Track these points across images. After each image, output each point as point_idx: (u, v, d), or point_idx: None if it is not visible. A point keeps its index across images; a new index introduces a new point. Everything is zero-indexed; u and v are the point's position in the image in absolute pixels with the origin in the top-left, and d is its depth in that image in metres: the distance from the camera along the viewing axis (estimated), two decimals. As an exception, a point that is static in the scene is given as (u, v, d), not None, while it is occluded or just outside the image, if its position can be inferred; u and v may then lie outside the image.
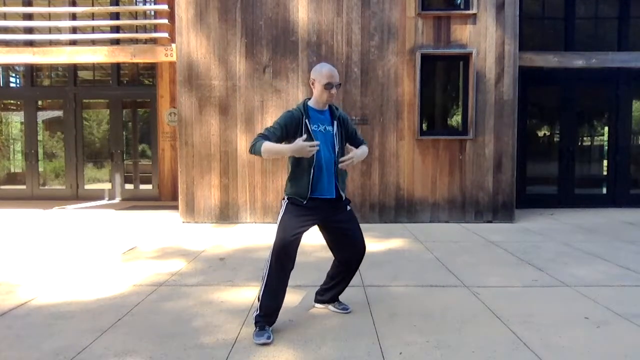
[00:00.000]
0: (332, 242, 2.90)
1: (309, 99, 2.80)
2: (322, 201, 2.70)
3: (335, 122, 2.78)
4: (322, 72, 2.67)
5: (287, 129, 2.66)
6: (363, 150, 2.86)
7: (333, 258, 2.98)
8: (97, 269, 4.14)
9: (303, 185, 2.66)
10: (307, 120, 2.67)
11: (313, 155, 2.58)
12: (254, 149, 2.55)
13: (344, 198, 2.80)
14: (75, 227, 6.36)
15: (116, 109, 9.75)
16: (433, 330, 2.73)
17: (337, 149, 2.74)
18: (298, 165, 2.69)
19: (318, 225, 2.81)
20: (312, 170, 2.64)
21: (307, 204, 2.67)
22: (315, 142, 2.50)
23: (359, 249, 2.87)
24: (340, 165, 2.67)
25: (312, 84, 2.73)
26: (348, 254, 2.88)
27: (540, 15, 8.33)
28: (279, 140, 2.63)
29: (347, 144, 2.94)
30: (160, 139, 9.36)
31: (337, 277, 2.97)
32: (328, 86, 2.66)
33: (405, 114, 6.65)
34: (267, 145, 2.51)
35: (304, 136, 2.54)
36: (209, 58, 6.61)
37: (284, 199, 2.77)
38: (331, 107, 2.83)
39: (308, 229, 2.72)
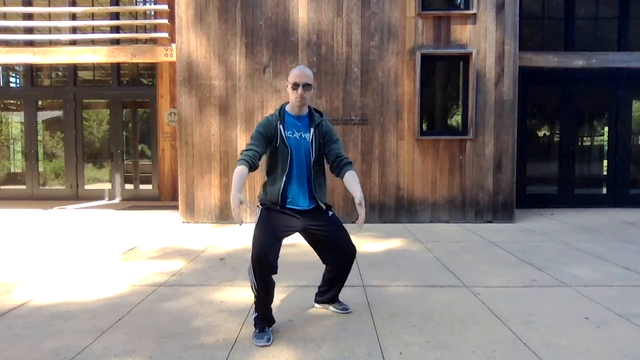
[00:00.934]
0: (317, 248, 2.84)
1: (287, 103, 2.73)
2: (297, 211, 2.64)
3: (312, 130, 2.67)
4: (292, 73, 2.64)
5: (266, 135, 2.61)
6: (356, 180, 2.64)
7: None
8: (97, 269, 4.14)
9: (274, 194, 2.62)
10: (281, 126, 2.62)
11: (286, 163, 2.59)
12: (237, 164, 2.53)
13: (324, 208, 2.71)
14: (75, 227, 6.36)
15: (116, 109, 9.75)
16: (433, 330, 2.73)
17: (312, 159, 2.64)
18: (271, 173, 2.66)
19: (300, 232, 2.74)
20: (283, 179, 2.60)
21: (283, 211, 2.62)
22: (238, 219, 2.38)
23: (347, 253, 2.77)
24: (358, 227, 2.59)
25: (287, 87, 2.67)
26: (336, 259, 2.81)
27: (540, 15, 8.33)
28: (262, 149, 2.60)
29: (326, 159, 2.75)
30: (160, 139, 9.36)
31: (332, 280, 2.94)
32: (294, 86, 2.59)
33: (405, 114, 6.66)
34: (235, 171, 2.47)
35: (247, 204, 2.46)
36: (209, 58, 6.61)
37: (258, 206, 2.70)
38: (312, 113, 2.73)
39: (288, 234, 2.66)
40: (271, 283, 2.58)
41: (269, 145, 2.63)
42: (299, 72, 2.61)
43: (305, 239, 2.83)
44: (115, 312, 3.01)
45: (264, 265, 2.48)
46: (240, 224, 2.44)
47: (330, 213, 2.77)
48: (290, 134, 2.63)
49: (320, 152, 2.71)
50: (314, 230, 2.72)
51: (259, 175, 6.63)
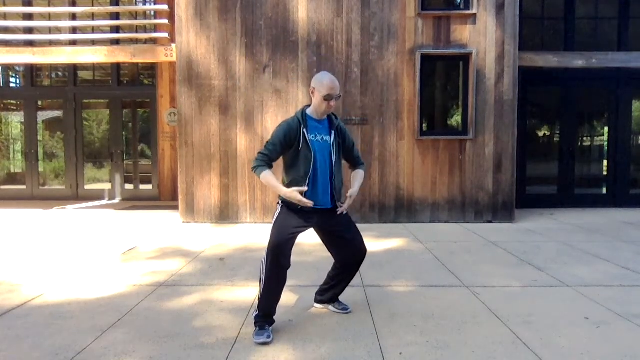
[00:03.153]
0: (330, 245, 2.89)
1: (308, 106, 2.77)
2: (316, 210, 2.69)
3: (333, 132, 2.75)
4: (324, 82, 2.63)
5: (286, 142, 2.65)
6: (360, 179, 2.86)
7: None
8: (97, 269, 4.14)
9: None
10: (304, 130, 2.66)
11: (309, 165, 2.64)
12: (255, 171, 2.64)
13: (339, 206, 2.78)
14: (76, 227, 6.36)
15: (116, 109, 9.75)
16: (433, 330, 2.73)
17: (334, 159, 2.72)
18: (292, 175, 2.68)
19: (314, 228, 2.80)
20: (307, 180, 2.63)
21: (302, 209, 2.65)
22: (309, 203, 2.54)
23: (359, 252, 2.86)
24: (339, 212, 2.72)
25: (312, 92, 2.70)
26: (346, 257, 2.87)
27: (540, 15, 8.33)
28: (279, 154, 2.68)
29: (347, 159, 2.93)
30: (160, 139, 9.36)
31: (337, 278, 2.97)
32: (328, 97, 2.63)
33: (405, 114, 6.66)
34: (266, 176, 2.60)
35: (303, 188, 2.57)
36: (209, 58, 6.61)
37: (278, 202, 2.74)
38: (330, 116, 2.80)
39: (304, 231, 2.71)
40: (282, 279, 2.66)
41: (286, 150, 2.68)
42: (332, 84, 2.63)
43: (319, 236, 2.89)
44: (115, 312, 3.02)
45: (281, 254, 2.58)
46: (311, 205, 2.58)
47: (345, 212, 2.83)
48: (313, 137, 2.69)
49: (341, 152, 2.81)
50: (329, 229, 2.80)
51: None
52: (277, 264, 2.59)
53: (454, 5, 7.11)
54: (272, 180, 2.60)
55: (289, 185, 2.69)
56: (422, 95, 6.66)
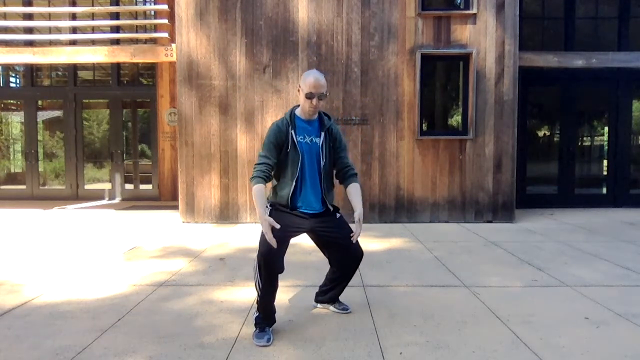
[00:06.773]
0: (324, 248, 2.85)
1: (298, 106, 2.70)
2: (306, 213, 2.64)
3: (323, 134, 2.65)
4: (306, 80, 2.55)
5: (278, 144, 2.59)
6: (359, 194, 2.67)
7: None
8: (97, 268, 4.15)
9: (284, 197, 2.61)
10: (292, 131, 2.59)
11: (296, 168, 2.57)
12: (252, 182, 2.54)
13: (331, 210, 2.71)
14: (76, 227, 6.36)
15: (116, 109, 9.75)
16: (433, 330, 2.73)
17: (322, 163, 2.64)
18: (280, 177, 2.65)
19: (307, 233, 2.74)
20: (293, 183, 2.59)
21: (292, 212, 2.61)
22: (273, 241, 2.37)
23: (354, 255, 2.78)
24: (353, 240, 2.57)
25: (298, 91, 2.63)
26: (342, 260, 2.82)
27: (540, 15, 8.34)
28: (278, 156, 2.59)
29: (334, 166, 2.76)
30: (160, 139, 9.36)
31: (335, 281, 2.94)
32: (309, 96, 2.54)
33: (405, 114, 6.66)
34: (255, 191, 2.47)
35: (276, 225, 2.38)
36: (209, 58, 6.61)
37: (267, 206, 2.65)
38: (322, 117, 2.70)
39: (295, 235, 2.66)
40: (276, 283, 2.59)
41: (280, 152, 2.61)
42: (314, 82, 2.53)
43: (313, 240, 2.83)
44: (115, 312, 3.02)
45: (271, 263, 2.49)
46: (275, 247, 2.40)
47: (339, 215, 2.78)
48: (301, 138, 2.61)
49: (331, 156, 2.71)
50: (323, 232, 2.72)
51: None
52: (268, 270, 2.50)
53: (454, 5, 7.11)
54: (259, 197, 2.46)
55: (275, 188, 2.67)
56: (422, 95, 6.66)
